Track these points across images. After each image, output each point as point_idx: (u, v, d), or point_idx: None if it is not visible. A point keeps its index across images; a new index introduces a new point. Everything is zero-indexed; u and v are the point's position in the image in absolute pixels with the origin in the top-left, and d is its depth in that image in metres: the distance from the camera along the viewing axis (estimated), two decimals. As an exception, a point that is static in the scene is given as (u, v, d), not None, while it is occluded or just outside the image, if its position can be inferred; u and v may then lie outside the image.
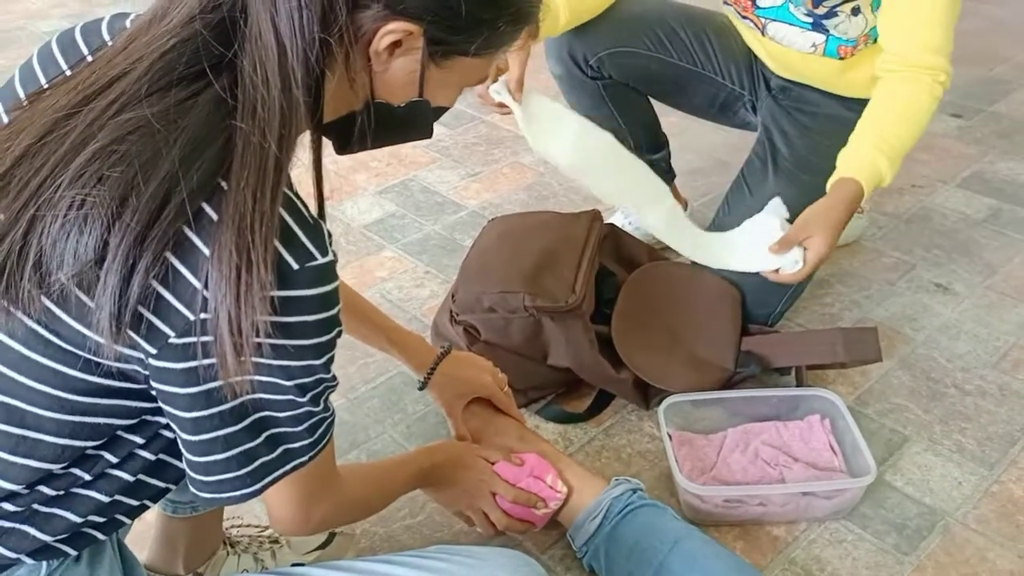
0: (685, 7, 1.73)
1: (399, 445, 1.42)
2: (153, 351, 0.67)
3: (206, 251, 0.64)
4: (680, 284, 1.50)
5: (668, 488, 1.31)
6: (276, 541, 1.21)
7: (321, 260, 0.68)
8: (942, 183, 2.07)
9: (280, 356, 0.68)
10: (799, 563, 1.20)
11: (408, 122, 0.80)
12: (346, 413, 1.44)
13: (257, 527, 1.24)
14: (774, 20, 1.53)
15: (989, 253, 1.82)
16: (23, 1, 3.44)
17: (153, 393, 0.71)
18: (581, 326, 1.39)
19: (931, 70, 1.34)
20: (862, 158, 1.34)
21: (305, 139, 0.73)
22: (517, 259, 1.44)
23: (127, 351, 0.67)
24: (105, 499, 0.77)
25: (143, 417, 0.75)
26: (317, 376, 0.73)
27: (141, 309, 0.65)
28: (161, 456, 0.79)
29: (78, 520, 0.76)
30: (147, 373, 0.69)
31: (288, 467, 0.76)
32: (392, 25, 0.69)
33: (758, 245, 1.38)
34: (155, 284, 0.64)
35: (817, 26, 1.48)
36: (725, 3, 1.59)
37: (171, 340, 0.66)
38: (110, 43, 0.72)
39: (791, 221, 1.37)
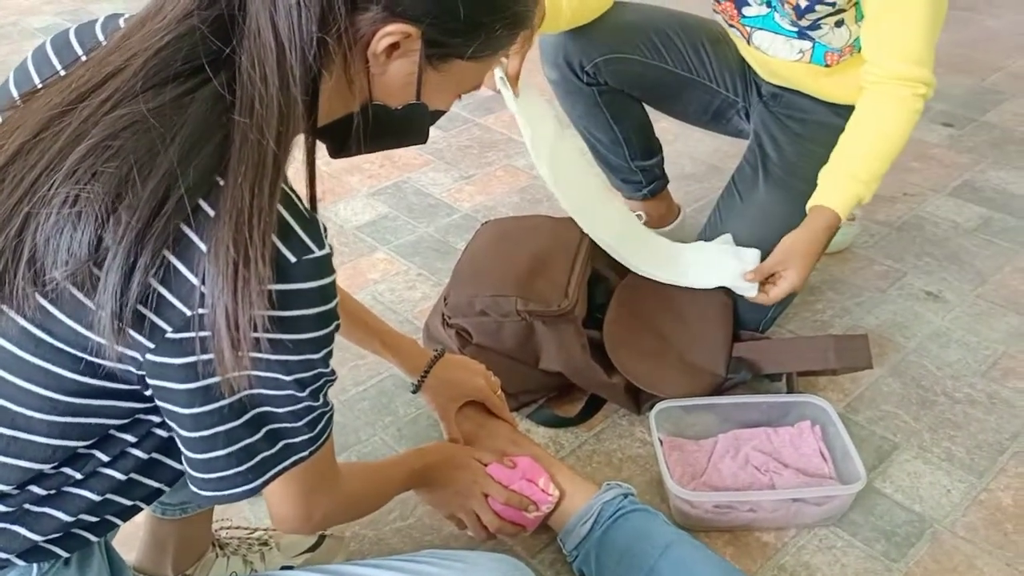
0: (680, 15, 1.73)
1: (390, 448, 1.41)
2: (151, 346, 0.66)
3: (203, 247, 0.64)
4: (672, 290, 1.51)
5: (659, 493, 1.31)
6: (265, 543, 1.20)
7: (318, 253, 0.68)
8: (933, 192, 2.08)
9: (279, 351, 0.68)
10: (788, 569, 1.20)
11: (404, 125, 0.80)
12: (337, 415, 1.40)
13: (246, 529, 1.24)
14: (760, 29, 1.53)
15: (980, 262, 1.83)
16: (16, -3, 3.44)
17: (147, 393, 0.71)
18: (573, 330, 1.39)
19: (912, 82, 1.36)
20: (839, 188, 1.41)
21: (299, 141, 0.73)
22: (510, 263, 1.44)
23: (126, 351, 0.67)
24: (96, 498, 0.76)
25: (136, 416, 0.75)
26: (316, 371, 0.72)
27: (141, 308, 0.64)
28: (154, 455, 0.78)
29: (69, 519, 0.75)
30: (142, 373, 0.69)
31: (289, 462, 0.76)
32: (391, 27, 0.69)
33: (714, 266, 1.49)
34: (154, 283, 0.64)
35: (803, 35, 1.49)
36: (714, 11, 1.60)
37: (168, 335, 0.66)
38: (104, 43, 0.71)
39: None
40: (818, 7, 1.40)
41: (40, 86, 0.71)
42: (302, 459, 0.76)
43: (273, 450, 0.74)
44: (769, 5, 1.49)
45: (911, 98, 1.37)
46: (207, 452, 0.72)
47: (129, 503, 0.80)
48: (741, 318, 1.53)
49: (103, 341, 0.65)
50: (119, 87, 0.65)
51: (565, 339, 1.39)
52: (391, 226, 2.01)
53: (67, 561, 0.79)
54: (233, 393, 0.68)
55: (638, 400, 1.45)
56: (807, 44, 1.50)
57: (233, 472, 0.73)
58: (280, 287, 0.65)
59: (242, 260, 0.62)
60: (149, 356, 0.67)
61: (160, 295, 0.65)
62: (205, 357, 0.66)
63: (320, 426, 0.77)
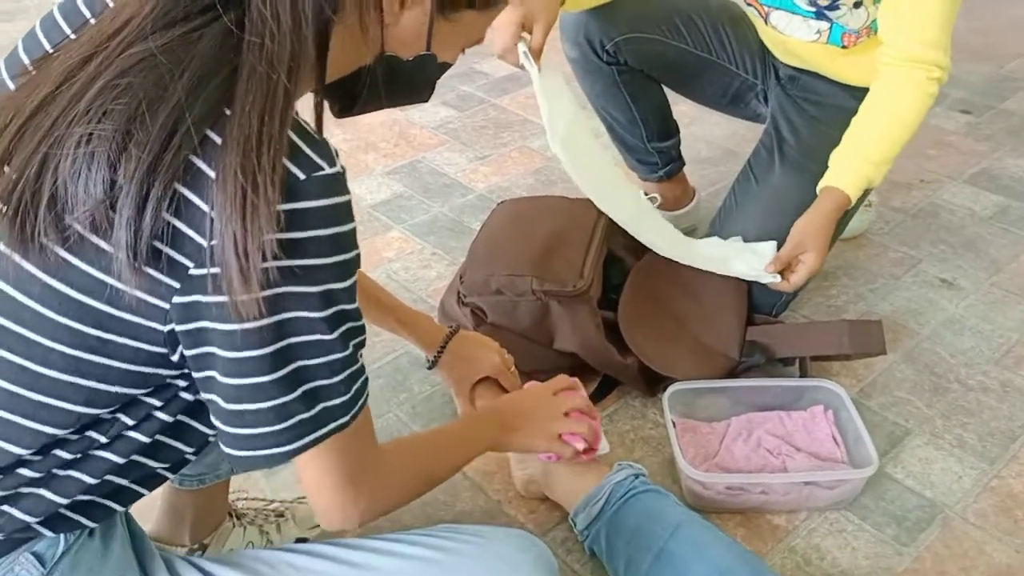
0: (701, -5, 1.73)
1: (404, 425, 1.42)
2: (176, 285, 0.66)
3: (212, 175, 0.63)
4: (687, 272, 1.51)
5: (671, 474, 1.32)
6: (281, 515, 1.22)
7: (329, 170, 0.66)
8: (950, 179, 2.07)
9: (294, 281, 0.65)
10: (799, 551, 1.21)
11: (412, 79, 0.81)
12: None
13: (263, 500, 1.25)
14: (778, 8, 1.53)
15: (995, 250, 1.83)
16: (32, -29, 3.43)
17: (174, 359, 0.71)
18: (588, 311, 1.39)
19: (927, 65, 1.36)
20: (851, 169, 1.41)
21: (308, 100, 0.73)
22: (526, 242, 1.44)
23: (148, 297, 0.66)
24: (121, 460, 0.76)
25: (165, 382, 0.74)
26: (340, 307, 0.69)
27: (158, 244, 0.64)
28: (180, 417, 0.77)
29: (93, 482, 0.75)
30: (170, 327, 0.68)
31: (326, 429, 0.73)
32: None
33: (730, 260, 1.51)
34: (168, 216, 0.64)
35: (820, 15, 1.48)
36: None
37: (191, 271, 0.65)
38: (112, 5, 0.72)
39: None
40: None
41: (53, 51, 0.71)
42: (341, 426, 0.73)
43: (311, 413, 0.71)
44: (788, -16, 1.48)
45: (926, 81, 1.37)
46: (240, 402, 0.69)
47: (154, 465, 0.79)
48: (755, 302, 1.53)
49: (120, 285, 0.65)
50: (131, 31, 0.66)
51: (580, 319, 1.39)
52: (406, 205, 2.02)
53: (91, 532, 0.80)
54: (261, 320, 0.65)
55: (651, 382, 1.45)
56: (825, 24, 1.49)
57: (267, 431, 0.70)
58: (289, 206, 0.63)
59: (250, 185, 0.61)
60: (176, 299, 0.66)
61: (175, 228, 0.64)
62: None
63: (356, 386, 0.74)
